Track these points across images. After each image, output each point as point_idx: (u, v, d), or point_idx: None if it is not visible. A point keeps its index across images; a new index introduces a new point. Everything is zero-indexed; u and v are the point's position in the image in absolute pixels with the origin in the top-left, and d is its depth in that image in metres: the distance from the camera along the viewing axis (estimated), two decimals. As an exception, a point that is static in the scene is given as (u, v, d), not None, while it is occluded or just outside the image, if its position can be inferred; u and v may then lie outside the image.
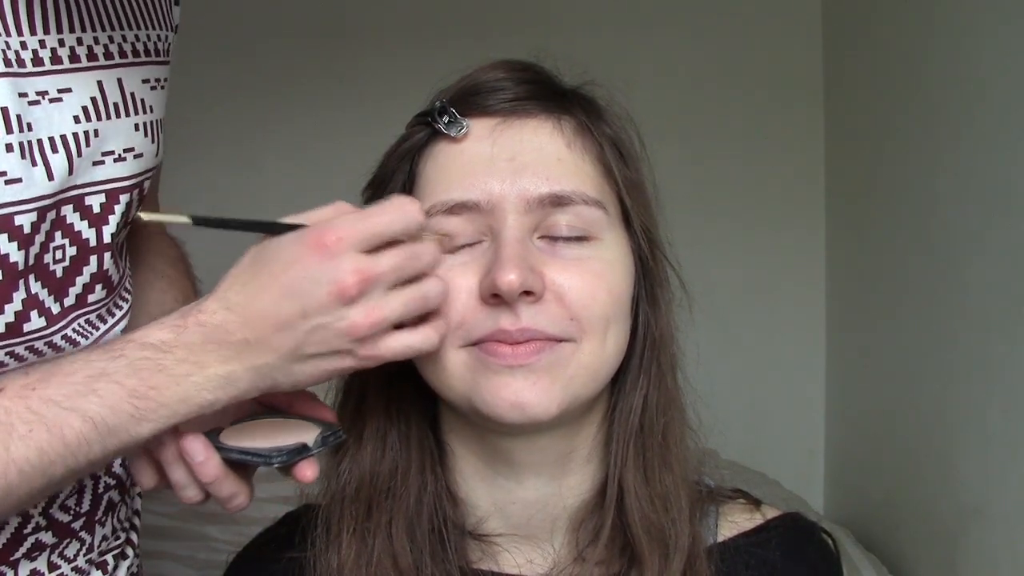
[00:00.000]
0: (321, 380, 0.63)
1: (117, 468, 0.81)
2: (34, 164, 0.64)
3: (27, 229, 0.63)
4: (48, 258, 0.67)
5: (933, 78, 1.63)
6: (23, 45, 0.65)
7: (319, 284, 0.58)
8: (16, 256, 0.63)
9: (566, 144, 0.69)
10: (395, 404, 0.72)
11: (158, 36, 0.78)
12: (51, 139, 0.65)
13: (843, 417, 2.12)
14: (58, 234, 0.67)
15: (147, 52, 0.77)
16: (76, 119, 0.68)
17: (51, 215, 0.66)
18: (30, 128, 0.64)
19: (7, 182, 0.61)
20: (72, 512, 0.76)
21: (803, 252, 2.19)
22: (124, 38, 0.74)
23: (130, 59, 0.75)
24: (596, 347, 0.66)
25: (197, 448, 0.64)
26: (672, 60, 2.14)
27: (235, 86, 2.07)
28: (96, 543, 0.79)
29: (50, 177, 0.65)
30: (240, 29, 2.08)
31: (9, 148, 0.61)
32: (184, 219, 0.65)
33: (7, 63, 0.63)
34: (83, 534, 0.77)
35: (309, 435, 0.67)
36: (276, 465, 0.65)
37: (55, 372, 0.60)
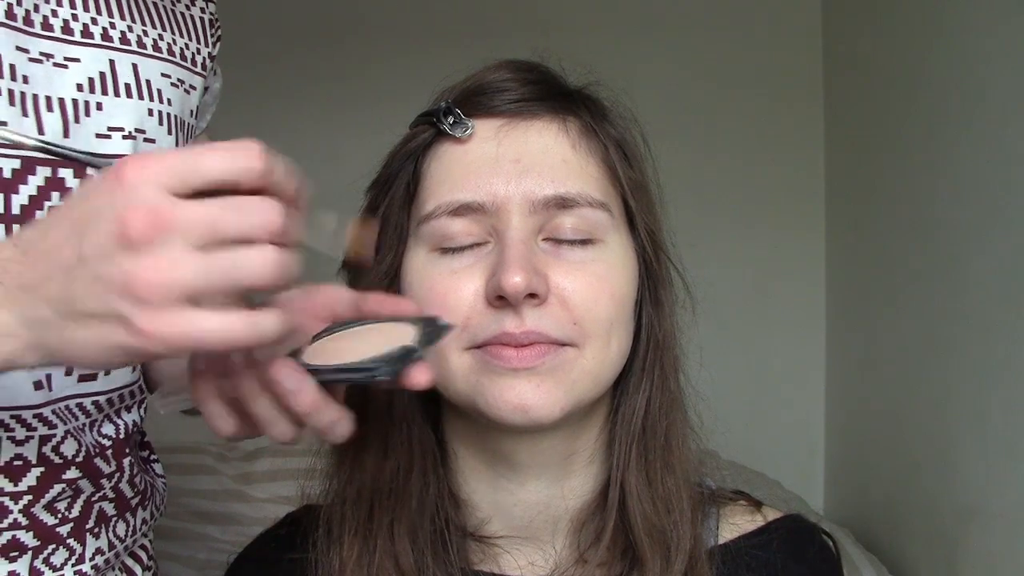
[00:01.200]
0: (101, 358, 0.48)
1: (122, 484, 0.79)
2: (25, 114, 0.64)
3: (7, 174, 0.63)
4: (41, 216, 0.66)
5: (933, 78, 1.63)
6: (35, 8, 0.66)
7: (101, 219, 0.46)
8: None
9: (571, 145, 0.68)
10: (398, 405, 0.72)
11: (185, 44, 0.80)
12: (48, 98, 0.66)
13: (843, 417, 2.12)
14: (55, 195, 0.67)
15: (171, 52, 0.78)
16: (79, 87, 0.69)
17: (44, 172, 0.66)
18: (25, 80, 0.64)
19: None
20: (60, 516, 0.73)
21: (803, 252, 2.19)
22: (145, 32, 0.75)
23: (149, 51, 0.76)
24: (599, 352, 0.66)
25: (288, 375, 0.53)
26: (672, 60, 2.14)
27: (235, 86, 2.07)
28: (88, 554, 0.75)
29: (41, 132, 0.65)
30: (240, 29, 2.07)
31: None
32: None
33: (10, 16, 0.64)
34: (72, 542, 0.74)
35: (404, 336, 0.56)
36: (384, 378, 0.54)
37: None
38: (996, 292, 1.40)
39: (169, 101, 0.76)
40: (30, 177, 0.65)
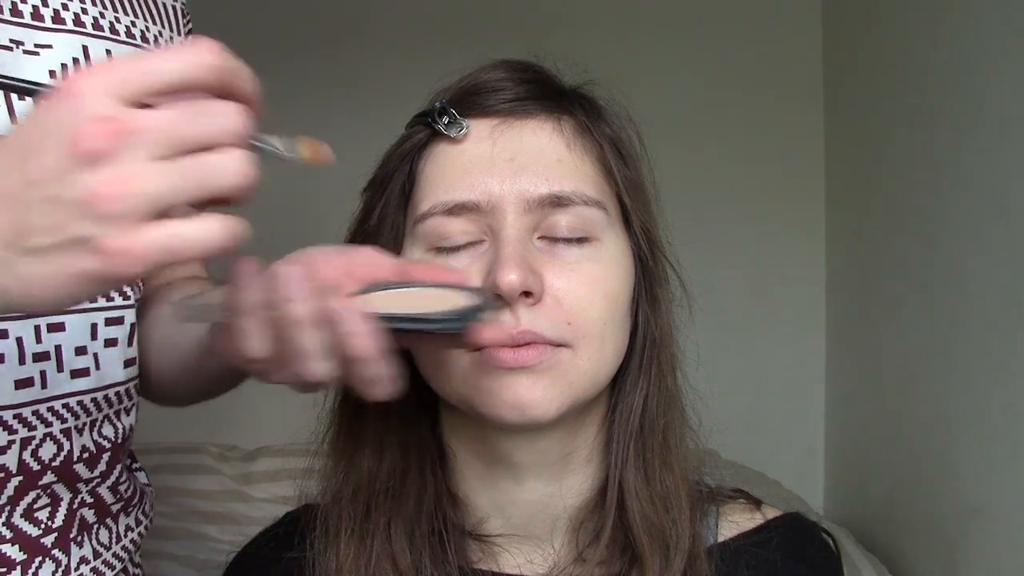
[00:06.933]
0: (65, 293, 0.44)
1: (101, 489, 0.77)
2: (6, 103, 0.63)
3: None
4: None
5: (933, 78, 1.63)
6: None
7: (50, 137, 0.42)
8: None
9: (566, 144, 0.69)
10: (395, 404, 0.71)
11: (159, 31, 0.78)
12: (19, 85, 0.62)
13: (843, 417, 2.12)
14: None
15: (144, 39, 0.76)
16: (51, 74, 0.66)
17: None
18: None
19: None
20: (43, 526, 0.71)
21: (803, 252, 2.19)
22: (118, 19, 0.73)
23: (123, 37, 0.74)
24: (594, 352, 0.66)
25: (352, 314, 0.51)
26: (672, 59, 2.14)
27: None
28: (73, 565, 0.73)
29: (13, 120, 0.63)
30: (239, 29, 2.07)
31: None
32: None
33: None
34: (57, 553, 0.72)
35: (455, 300, 0.55)
36: (457, 329, 0.52)
37: None
38: (996, 291, 1.40)
39: None
40: None
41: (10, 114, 0.65)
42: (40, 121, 0.42)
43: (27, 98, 0.53)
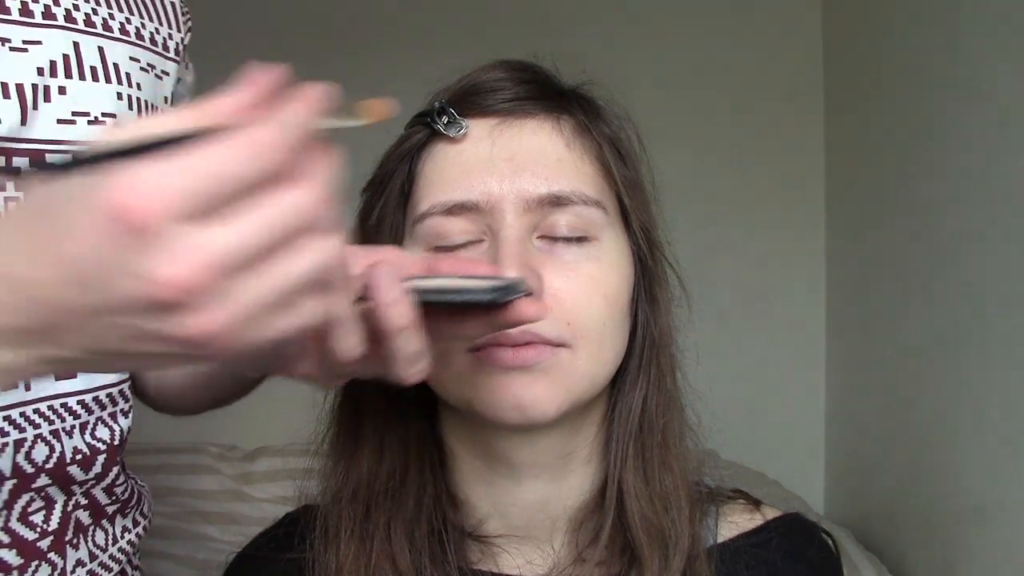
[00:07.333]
0: (152, 369, 0.46)
1: (96, 491, 0.77)
2: None
3: None
4: None
5: (933, 79, 1.63)
6: None
7: (119, 275, 0.37)
8: None
9: (565, 144, 0.68)
10: (394, 405, 0.72)
11: (155, 29, 0.76)
12: (3, 84, 0.62)
13: (843, 417, 2.12)
14: (10, 185, 0.64)
15: (139, 36, 0.74)
16: (39, 71, 0.65)
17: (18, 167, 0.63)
18: None
19: None
20: (39, 530, 0.71)
21: (803, 252, 2.19)
22: (112, 15, 0.72)
23: (116, 34, 0.72)
24: (593, 353, 0.66)
25: (391, 283, 0.48)
26: (672, 60, 2.14)
27: (232, 85, 2.07)
28: (69, 568, 0.73)
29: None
30: (238, 28, 2.08)
31: None
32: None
33: None
34: (53, 556, 0.72)
35: (485, 281, 0.53)
36: (503, 300, 0.49)
37: None
38: (997, 291, 1.40)
39: (139, 85, 0.73)
40: None
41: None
42: (98, 248, 0.36)
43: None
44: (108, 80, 0.70)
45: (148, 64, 0.75)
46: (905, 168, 1.74)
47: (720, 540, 0.74)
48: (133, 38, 0.74)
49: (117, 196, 0.35)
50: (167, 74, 0.78)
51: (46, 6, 0.66)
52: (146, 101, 0.74)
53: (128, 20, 0.73)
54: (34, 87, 0.64)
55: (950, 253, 1.56)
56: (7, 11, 0.63)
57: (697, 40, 2.16)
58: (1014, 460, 1.34)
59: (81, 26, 0.69)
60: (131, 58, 0.73)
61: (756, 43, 2.15)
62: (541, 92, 0.70)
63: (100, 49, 0.70)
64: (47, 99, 0.65)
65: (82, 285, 0.38)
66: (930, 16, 1.64)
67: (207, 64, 2.14)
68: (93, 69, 0.69)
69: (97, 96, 0.69)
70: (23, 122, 0.64)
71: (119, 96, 0.71)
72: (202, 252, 0.36)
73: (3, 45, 0.63)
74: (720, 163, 2.14)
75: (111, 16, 0.72)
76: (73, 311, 0.38)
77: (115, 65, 0.71)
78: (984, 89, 1.44)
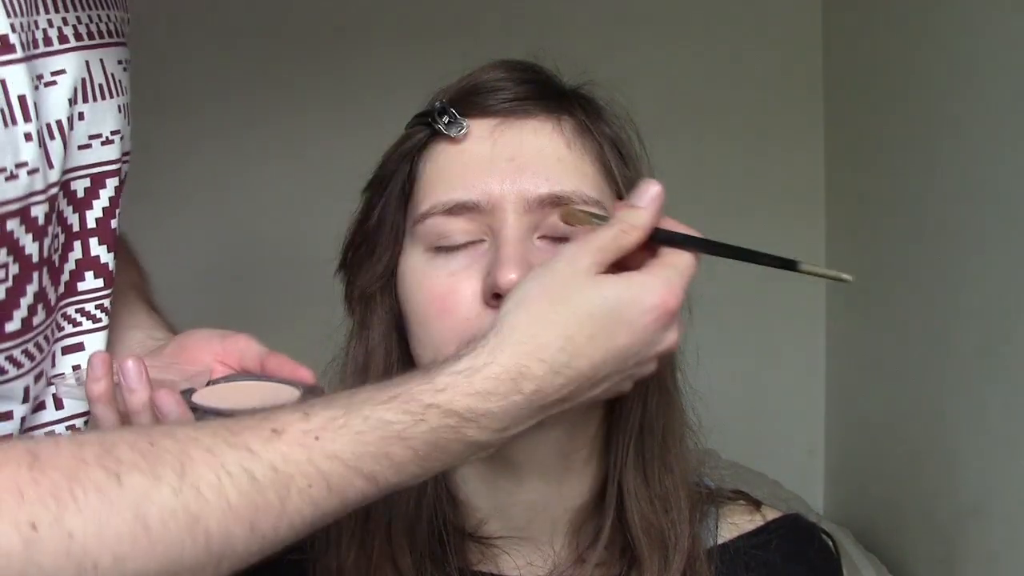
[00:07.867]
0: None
1: None
2: (44, 152, 0.62)
3: (41, 220, 0.61)
4: (47, 246, 0.64)
5: (933, 77, 1.63)
6: (34, 24, 0.62)
7: (649, 346, 0.58)
8: (31, 248, 0.61)
9: (566, 144, 0.68)
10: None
11: (120, 17, 0.74)
12: (48, 125, 0.63)
13: (843, 417, 2.12)
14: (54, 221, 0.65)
15: (118, 33, 0.73)
16: (71, 102, 0.65)
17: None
18: (38, 116, 0.61)
19: (29, 172, 0.59)
20: None
21: (803, 252, 2.17)
22: (96, 18, 0.70)
23: (106, 39, 0.71)
24: None
25: (169, 404, 0.60)
26: (671, 59, 2.14)
27: (233, 85, 2.07)
28: None
29: (50, 165, 0.63)
30: (238, 28, 2.07)
31: (28, 137, 0.59)
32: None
33: (24, 46, 0.59)
34: None
35: (288, 397, 0.62)
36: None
37: (342, 424, 0.52)
38: (996, 291, 1.40)
39: (127, 90, 0.73)
40: (53, 215, 0.63)
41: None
42: (646, 336, 0.58)
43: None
44: (112, 95, 0.70)
45: (127, 60, 0.74)
46: (905, 167, 1.74)
47: (720, 541, 0.74)
48: (115, 37, 0.73)
49: (673, 303, 0.59)
50: (129, 62, 0.76)
51: (59, 28, 0.65)
52: (129, 104, 0.74)
53: (109, 18, 0.72)
54: (68, 119, 0.65)
55: (950, 253, 1.56)
56: (36, 44, 0.62)
57: (697, 40, 2.15)
58: (1014, 460, 1.34)
59: (85, 41, 0.68)
60: (118, 61, 0.72)
61: (756, 43, 2.15)
62: (542, 92, 0.70)
63: (101, 62, 0.69)
64: (71, 127, 0.65)
65: (619, 359, 0.57)
66: (930, 16, 1.64)
67: (209, 63, 2.13)
68: (101, 87, 0.69)
69: (104, 114, 0.69)
70: (65, 157, 0.64)
71: (119, 109, 0.71)
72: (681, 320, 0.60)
73: (40, 82, 0.63)
74: (720, 163, 2.14)
75: (95, 19, 0.70)
76: (600, 376, 0.57)
77: (112, 75, 0.71)
78: (984, 89, 1.44)
